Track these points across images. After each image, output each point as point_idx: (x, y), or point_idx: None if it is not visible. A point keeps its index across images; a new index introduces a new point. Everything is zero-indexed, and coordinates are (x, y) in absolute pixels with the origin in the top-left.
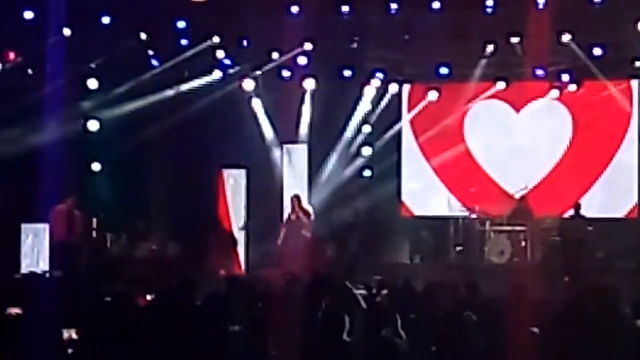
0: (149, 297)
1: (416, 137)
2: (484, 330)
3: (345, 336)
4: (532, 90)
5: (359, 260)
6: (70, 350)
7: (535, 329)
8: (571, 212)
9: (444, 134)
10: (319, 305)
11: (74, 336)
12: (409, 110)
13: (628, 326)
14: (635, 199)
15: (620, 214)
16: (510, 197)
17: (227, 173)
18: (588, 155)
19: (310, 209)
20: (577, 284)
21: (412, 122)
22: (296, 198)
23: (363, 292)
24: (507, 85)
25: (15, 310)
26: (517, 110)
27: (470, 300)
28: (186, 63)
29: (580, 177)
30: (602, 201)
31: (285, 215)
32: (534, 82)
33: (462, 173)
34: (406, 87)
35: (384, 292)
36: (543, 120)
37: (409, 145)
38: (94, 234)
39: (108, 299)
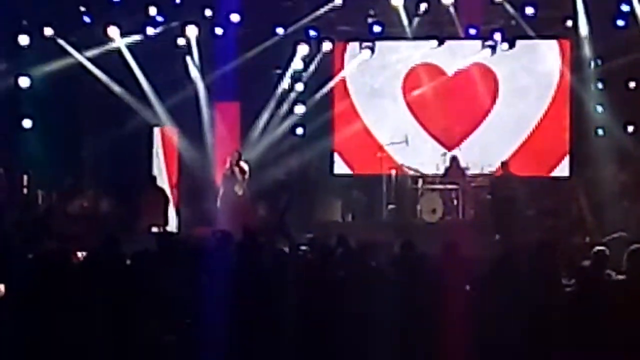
0: (80, 254)
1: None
2: (416, 287)
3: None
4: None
5: (290, 218)
6: None
7: (467, 287)
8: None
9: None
10: (249, 263)
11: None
12: (341, 68)
13: (558, 284)
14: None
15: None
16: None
17: (158, 130)
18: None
19: (246, 167)
20: (507, 241)
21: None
22: (237, 153)
23: (295, 250)
24: (440, 44)
25: None
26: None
27: (405, 258)
28: (118, 19)
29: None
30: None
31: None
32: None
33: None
34: (339, 46)
35: (315, 249)
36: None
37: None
38: (25, 190)
39: (38, 255)
